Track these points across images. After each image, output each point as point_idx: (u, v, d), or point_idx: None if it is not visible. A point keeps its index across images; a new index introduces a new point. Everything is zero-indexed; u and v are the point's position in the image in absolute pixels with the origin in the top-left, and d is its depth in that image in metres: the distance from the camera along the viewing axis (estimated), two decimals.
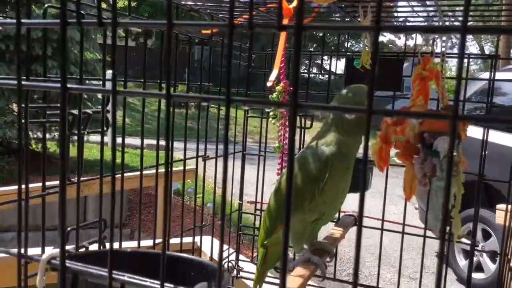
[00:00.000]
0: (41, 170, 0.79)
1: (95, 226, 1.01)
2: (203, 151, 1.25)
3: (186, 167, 1.26)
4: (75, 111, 0.82)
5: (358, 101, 1.00)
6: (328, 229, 1.25)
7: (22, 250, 0.56)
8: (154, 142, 1.18)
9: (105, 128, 0.89)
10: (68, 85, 0.48)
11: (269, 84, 1.04)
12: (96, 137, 6.85)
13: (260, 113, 1.42)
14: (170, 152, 0.43)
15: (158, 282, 0.48)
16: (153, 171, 1.20)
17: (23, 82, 0.51)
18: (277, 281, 1.36)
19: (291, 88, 1.19)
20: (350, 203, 1.40)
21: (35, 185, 0.98)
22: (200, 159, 1.21)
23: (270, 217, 1.08)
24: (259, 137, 1.43)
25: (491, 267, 3.84)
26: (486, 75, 5.09)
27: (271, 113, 1.22)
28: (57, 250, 0.53)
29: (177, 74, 1.22)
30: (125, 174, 1.51)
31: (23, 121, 0.61)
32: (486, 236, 3.91)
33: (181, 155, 1.23)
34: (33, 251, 0.89)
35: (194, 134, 1.27)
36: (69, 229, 0.83)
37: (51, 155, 5.93)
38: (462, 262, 4.07)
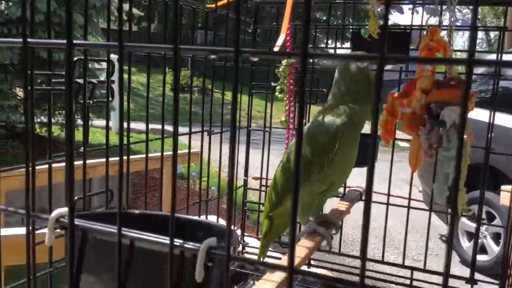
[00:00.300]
0: (46, 154, 0.79)
1: (99, 205, 1.02)
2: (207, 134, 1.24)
3: (191, 150, 1.25)
4: (80, 80, 0.81)
5: (361, 70, 1.01)
6: (333, 204, 1.25)
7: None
8: (157, 126, 1.17)
9: (110, 99, 0.88)
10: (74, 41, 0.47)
11: (276, 49, 1.03)
12: (100, 122, 6.85)
13: (265, 90, 1.41)
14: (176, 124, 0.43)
15: (167, 238, 0.48)
16: (158, 154, 1.20)
17: (28, 40, 0.50)
18: (280, 255, 1.37)
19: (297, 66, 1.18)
20: (357, 180, 1.40)
21: (41, 167, 0.98)
22: (205, 133, 1.21)
23: (277, 189, 1.07)
24: (263, 121, 1.42)
25: (494, 249, 3.85)
26: (492, 56, 5.04)
27: (277, 88, 1.21)
28: (65, 209, 0.53)
29: (179, 59, 1.21)
30: (130, 157, 1.51)
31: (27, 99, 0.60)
32: (490, 218, 3.91)
33: (186, 138, 1.22)
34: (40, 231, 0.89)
35: (198, 118, 1.26)
36: (76, 198, 0.83)
37: (56, 139, 5.95)
38: (466, 244, 4.08)
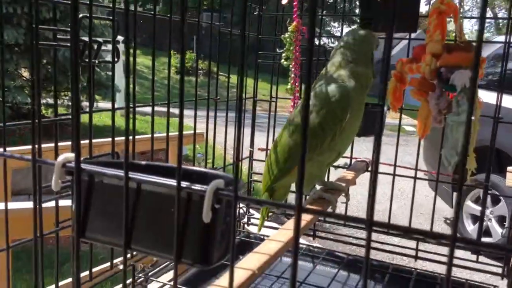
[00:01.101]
0: (52, 136, 0.78)
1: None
2: (212, 118, 1.22)
3: (187, 132, 1.24)
4: (85, 38, 0.80)
5: (367, 32, 1.00)
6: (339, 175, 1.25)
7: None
8: (162, 109, 1.16)
9: (116, 59, 0.87)
10: None
11: (284, 1, 1.01)
12: (105, 104, 6.85)
13: (271, 60, 1.40)
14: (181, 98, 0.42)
15: (175, 181, 0.48)
16: (164, 134, 1.19)
17: None
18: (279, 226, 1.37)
19: (304, 28, 1.16)
20: (366, 152, 1.39)
21: (47, 145, 0.98)
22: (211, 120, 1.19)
23: (282, 160, 1.04)
24: (268, 105, 1.41)
25: (499, 231, 3.85)
26: (500, 38, 4.97)
27: (283, 55, 1.20)
28: (72, 154, 0.52)
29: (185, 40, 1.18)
30: (136, 137, 1.51)
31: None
32: (495, 201, 3.90)
33: (190, 121, 1.20)
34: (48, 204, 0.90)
35: (203, 102, 1.24)
36: (82, 159, 0.82)
37: (64, 122, 5.96)
38: (470, 227, 4.08)
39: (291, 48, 1.16)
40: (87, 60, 0.83)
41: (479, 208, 4.02)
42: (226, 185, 0.51)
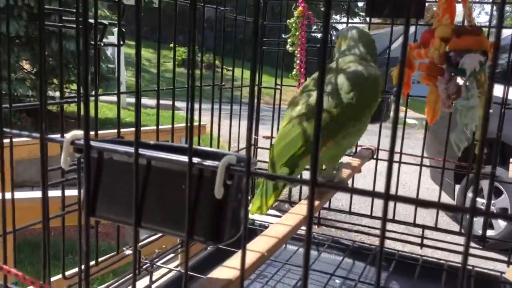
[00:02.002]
0: (58, 128, 0.77)
1: None
2: (216, 111, 1.21)
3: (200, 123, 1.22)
4: (91, 20, 0.79)
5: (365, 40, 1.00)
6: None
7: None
8: (164, 102, 1.15)
9: (121, 42, 0.87)
10: None
11: None
12: (106, 97, 6.84)
13: (277, 46, 1.39)
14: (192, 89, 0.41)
15: (186, 157, 0.47)
16: (169, 126, 1.18)
17: None
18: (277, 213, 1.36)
19: (310, 13, 1.15)
20: (367, 143, 1.39)
21: (53, 136, 0.97)
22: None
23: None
24: (271, 97, 1.40)
25: (501, 224, 3.85)
26: (507, 31, 4.95)
27: (288, 40, 1.18)
28: (80, 131, 0.52)
29: (186, 34, 1.16)
30: (142, 128, 1.50)
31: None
32: (498, 193, 3.90)
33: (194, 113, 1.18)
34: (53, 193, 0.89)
35: (208, 96, 1.23)
36: None
37: (68, 115, 5.96)
38: (474, 219, 4.07)
39: (297, 33, 1.15)
40: (92, 42, 0.82)
41: (482, 200, 4.02)
42: (238, 162, 0.50)
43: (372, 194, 0.42)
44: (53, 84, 5.52)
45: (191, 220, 0.48)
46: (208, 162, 0.47)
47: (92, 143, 0.50)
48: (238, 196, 0.50)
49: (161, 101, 1.09)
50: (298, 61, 1.19)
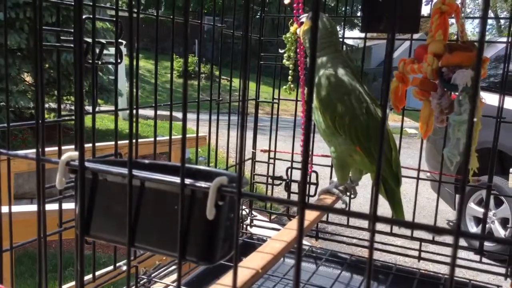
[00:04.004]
0: (56, 140, 0.78)
1: None
2: (214, 122, 1.22)
3: (190, 135, 1.24)
4: (89, 39, 0.81)
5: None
6: None
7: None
8: (163, 113, 1.16)
9: (118, 60, 0.88)
10: None
11: (286, 1, 1.02)
12: (107, 108, 6.86)
13: (274, 61, 1.40)
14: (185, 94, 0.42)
15: (179, 178, 0.48)
16: (166, 137, 1.19)
17: None
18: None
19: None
20: None
21: (50, 149, 0.98)
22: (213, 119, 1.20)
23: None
24: (270, 108, 1.42)
25: (502, 234, 3.83)
26: (502, 39, 4.96)
27: (285, 55, 1.20)
28: (75, 153, 0.53)
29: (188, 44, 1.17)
30: (138, 140, 1.51)
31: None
32: (498, 203, 3.89)
33: (192, 125, 1.19)
34: (51, 206, 0.90)
35: (206, 105, 1.24)
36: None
37: (69, 127, 5.98)
38: (473, 229, 4.06)
39: (292, 48, 1.16)
40: (90, 61, 0.83)
41: (482, 210, 4.01)
42: (230, 182, 0.51)
43: (360, 215, 0.43)
44: (54, 96, 5.54)
45: (183, 241, 0.48)
46: (200, 183, 0.48)
47: (87, 164, 0.51)
48: (230, 215, 0.51)
49: (161, 112, 1.11)
50: (292, 74, 1.20)
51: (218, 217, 0.48)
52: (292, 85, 1.22)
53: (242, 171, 0.47)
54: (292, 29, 1.15)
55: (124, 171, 0.49)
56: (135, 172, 0.49)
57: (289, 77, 1.22)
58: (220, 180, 0.47)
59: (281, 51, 1.22)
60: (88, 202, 0.54)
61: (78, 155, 0.51)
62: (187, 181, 0.48)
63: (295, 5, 1.13)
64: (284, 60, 1.21)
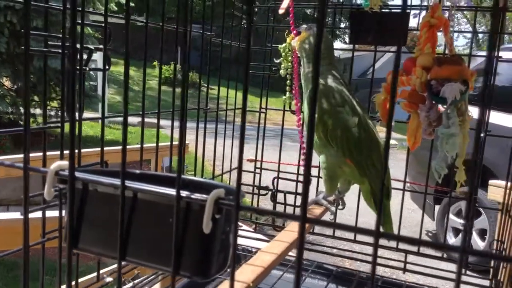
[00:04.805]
0: (37, 146, 0.76)
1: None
2: (202, 130, 1.21)
3: (176, 142, 1.22)
4: (77, 45, 0.79)
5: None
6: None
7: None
8: (148, 120, 1.14)
9: (107, 67, 0.86)
10: None
11: (281, 11, 1.01)
12: (88, 114, 6.77)
13: (262, 70, 1.40)
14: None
15: (173, 190, 0.46)
16: (151, 144, 1.16)
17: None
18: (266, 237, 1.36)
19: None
20: None
21: (33, 155, 0.95)
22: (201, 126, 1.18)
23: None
24: (255, 118, 1.41)
25: (480, 244, 3.89)
26: (482, 54, 5.07)
27: (282, 66, 1.19)
28: (65, 162, 0.51)
29: (170, 53, 1.15)
30: (117, 147, 1.48)
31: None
32: (476, 214, 3.95)
33: (175, 132, 1.17)
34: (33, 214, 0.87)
35: (193, 113, 1.23)
36: None
37: (49, 132, 5.85)
38: (452, 240, 4.12)
39: (289, 58, 1.17)
40: (78, 67, 0.81)
41: (461, 221, 4.07)
42: (226, 194, 0.49)
43: (364, 231, 0.42)
44: (33, 102, 5.43)
45: (177, 255, 0.47)
46: (197, 196, 0.46)
47: (77, 174, 0.50)
48: (226, 229, 0.50)
49: (139, 119, 1.09)
50: (289, 84, 1.20)
51: (214, 231, 0.47)
52: (288, 96, 1.22)
53: (240, 183, 0.46)
54: (288, 39, 1.15)
55: (117, 181, 0.48)
56: (128, 183, 0.48)
57: (287, 87, 1.22)
58: (217, 192, 0.46)
59: (276, 61, 1.21)
60: (78, 213, 0.52)
61: (68, 164, 0.49)
62: (183, 193, 0.46)
63: (291, 15, 1.13)
64: (281, 71, 1.20)
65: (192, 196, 0.46)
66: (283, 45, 1.17)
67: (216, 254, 0.49)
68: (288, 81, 1.21)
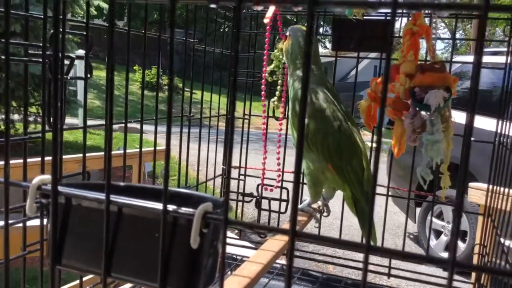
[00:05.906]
0: (21, 152, 0.74)
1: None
2: (185, 134, 1.20)
3: (158, 148, 1.20)
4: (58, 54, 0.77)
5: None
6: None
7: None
8: (130, 125, 1.13)
9: (88, 75, 0.84)
10: None
11: (266, 21, 1.01)
12: (67, 119, 6.67)
13: (245, 77, 1.40)
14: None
15: (160, 204, 0.45)
16: (135, 150, 1.14)
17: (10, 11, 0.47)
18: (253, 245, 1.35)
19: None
20: None
21: (15, 161, 0.93)
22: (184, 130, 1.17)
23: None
24: (241, 124, 1.41)
25: (461, 246, 3.94)
26: (460, 58, 5.16)
27: (277, 72, 1.19)
28: (47, 176, 0.49)
29: (150, 58, 1.15)
30: (98, 153, 1.46)
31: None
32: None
33: (159, 139, 1.16)
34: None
35: (174, 119, 1.21)
36: None
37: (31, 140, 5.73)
38: (433, 242, 4.17)
39: (281, 65, 1.17)
40: (59, 76, 0.79)
41: (441, 223, 4.12)
42: (214, 208, 0.49)
43: (354, 245, 0.41)
44: (12, 107, 5.33)
45: (164, 270, 0.46)
46: (184, 210, 0.46)
47: (60, 189, 0.48)
48: (214, 243, 0.49)
49: (120, 125, 1.07)
50: (280, 90, 1.20)
51: (201, 245, 0.46)
52: (276, 102, 1.22)
53: (228, 197, 0.45)
54: (279, 45, 1.15)
55: (101, 196, 0.47)
56: (113, 197, 0.47)
57: (277, 92, 1.22)
58: (205, 206, 0.45)
59: (269, 68, 1.21)
60: (61, 229, 0.51)
61: (50, 178, 0.48)
62: (170, 207, 0.45)
63: (279, 22, 1.13)
64: (266, 75, 1.20)
65: (179, 211, 0.45)
66: (276, 51, 1.17)
67: (203, 268, 0.48)
68: (278, 87, 1.21)
